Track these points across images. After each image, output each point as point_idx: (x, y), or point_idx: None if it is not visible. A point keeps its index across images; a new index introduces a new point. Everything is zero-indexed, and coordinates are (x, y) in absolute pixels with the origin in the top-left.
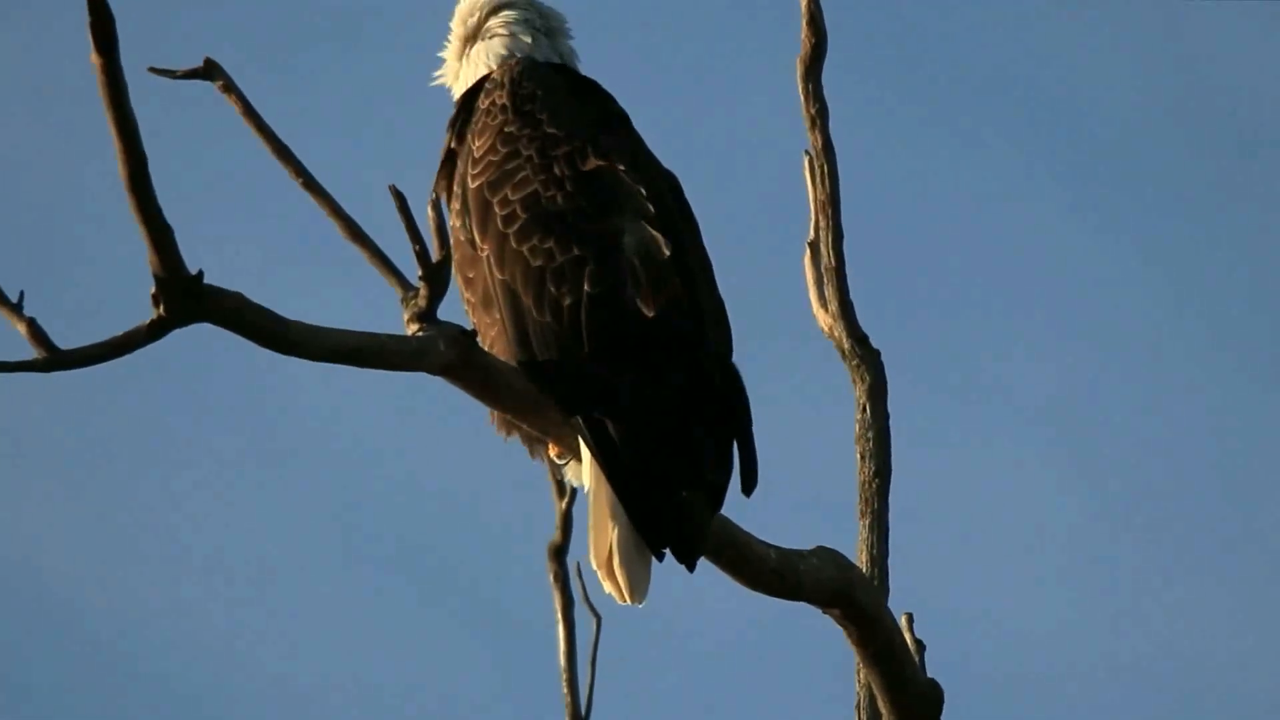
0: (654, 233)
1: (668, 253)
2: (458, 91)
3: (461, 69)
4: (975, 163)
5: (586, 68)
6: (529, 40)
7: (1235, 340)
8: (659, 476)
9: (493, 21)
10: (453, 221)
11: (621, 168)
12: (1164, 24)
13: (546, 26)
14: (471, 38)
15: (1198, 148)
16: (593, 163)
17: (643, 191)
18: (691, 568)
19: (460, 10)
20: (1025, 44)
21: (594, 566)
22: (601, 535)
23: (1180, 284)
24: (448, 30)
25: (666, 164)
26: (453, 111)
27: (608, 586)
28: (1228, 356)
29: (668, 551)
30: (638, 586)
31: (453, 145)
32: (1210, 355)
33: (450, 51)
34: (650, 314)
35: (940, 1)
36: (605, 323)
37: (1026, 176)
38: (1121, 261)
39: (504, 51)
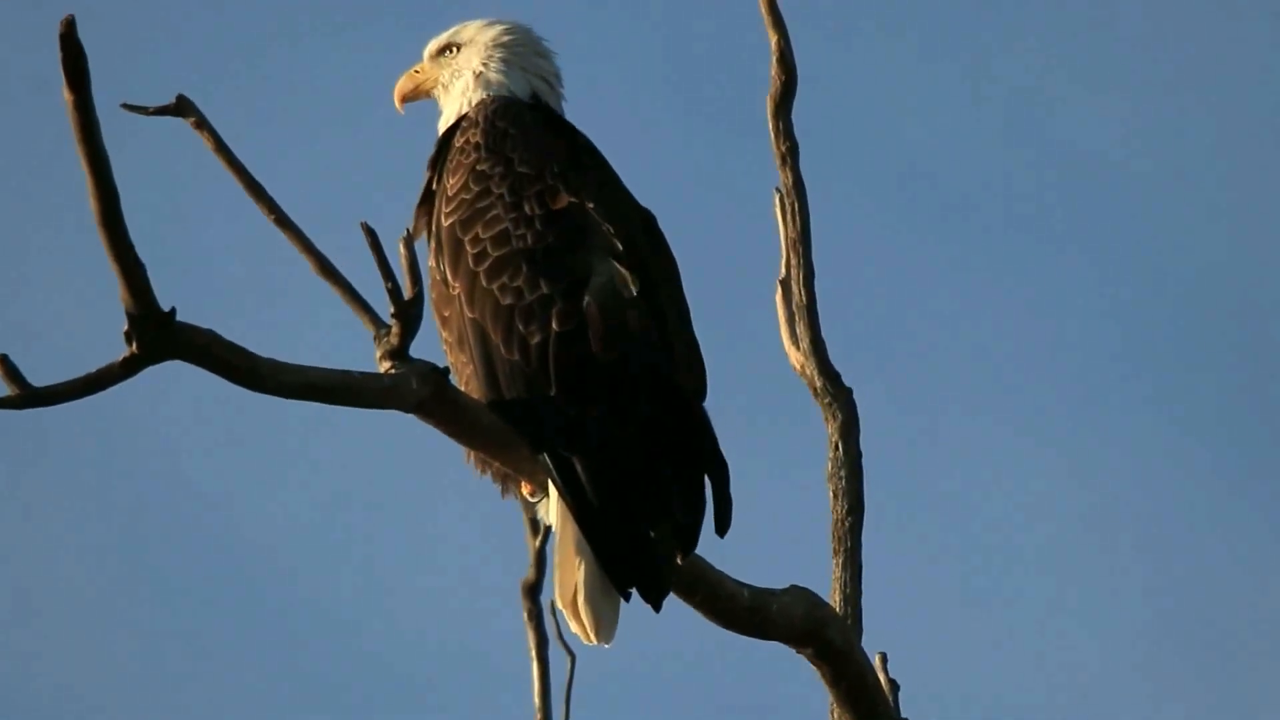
0: (623, 270)
1: (635, 291)
2: (444, 118)
3: (444, 96)
4: (944, 197)
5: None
6: (510, 77)
7: (1192, 389)
8: (626, 515)
9: (492, 56)
10: (429, 260)
11: (590, 205)
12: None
13: (534, 65)
14: (466, 66)
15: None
16: (563, 200)
17: (611, 229)
18: (657, 608)
19: (464, 35)
20: (1004, 76)
21: (559, 605)
22: (567, 573)
23: (1153, 316)
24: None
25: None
26: (433, 150)
27: (573, 625)
28: (1187, 400)
29: (634, 591)
30: (603, 626)
31: (433, 185)
32: (1173, 396)
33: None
34: (600, 356)
35: (917, 37)
36: (573, 362)
37: (995, 212)
38: (1090, 299)
39: (490, 89)
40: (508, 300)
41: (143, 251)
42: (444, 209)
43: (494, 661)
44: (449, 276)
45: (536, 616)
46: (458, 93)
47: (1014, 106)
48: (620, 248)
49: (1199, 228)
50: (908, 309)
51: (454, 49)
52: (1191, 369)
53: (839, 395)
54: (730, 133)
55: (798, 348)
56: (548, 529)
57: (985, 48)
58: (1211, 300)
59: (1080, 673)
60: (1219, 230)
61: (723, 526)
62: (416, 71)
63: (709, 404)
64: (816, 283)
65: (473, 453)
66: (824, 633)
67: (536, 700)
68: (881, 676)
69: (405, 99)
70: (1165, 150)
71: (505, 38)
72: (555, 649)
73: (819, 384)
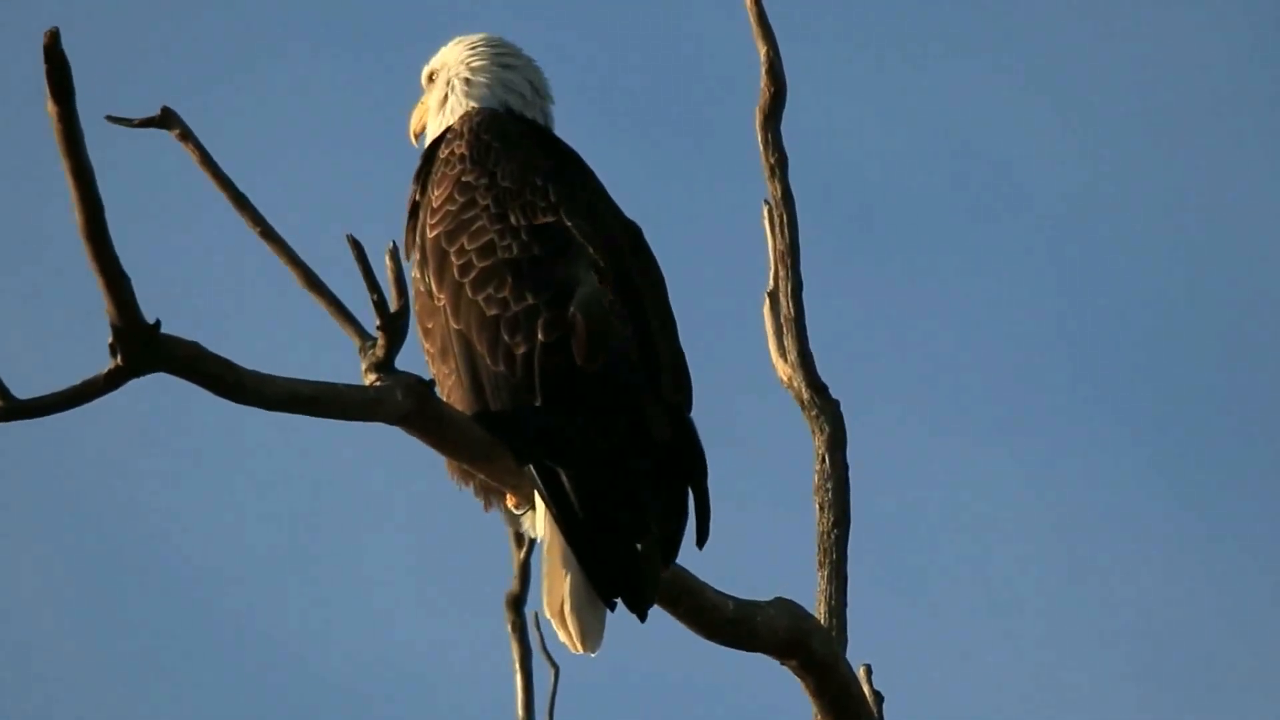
0: (602, 286)
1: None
2: (429, 137)
3: (432, 118)
4: (936, 209)
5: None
6: (480, 91)
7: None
8: (611, 526)
9: (465, 70)
10: (413, 273)
11: (570, 223)
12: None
13: (502, 78)
14: (445, 85)
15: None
16: (542, 219)
17: (590, 246)
18: (643, 617)
19: (443, 56)
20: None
21: (547, 615)
22: (555, 584)
23: (1131, 332)
24: (416, 77)
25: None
26: (418, 163)
27: (561, 635)
28: (1171, 411)
29: (620, 601)
30: (589, 635)
31: (417, 198)
32: (1158, 407)
33: (430, 97)
34: (584, 368)
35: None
36: (558, 372)
37: (985, 224)
38: (1082, 312)
39: (469, 102)
40: (493, 311)
41: (127, 264)
42: (429, 220)
43: (477, 674)
44: (434, 288)
45: (520, 628)
46: (443, 111)
47: (1005, 118)
48: (601, 263)
49: (1171, 238)
50: (896, 322)
51: (436, 73)
52: (1176, 379)
53: (826, 408)
54: (719, 145)
55: (785, 360)
56: (532, 542)
57: (972, 60)
58: (1189, 306)
59: (1064, 684)
60: (1184, 242)
61: (701, 538)
62: (420, 103)
63: (696, 415)
64: (805, 295)
65: (454, 465)
66: (808, 644)
67: (520, 712)
68: (866, 688)
69: (418, 133)
70: (1148, 161)
71: (472, 52)
72: (539, 661)
73: (806, 396)
